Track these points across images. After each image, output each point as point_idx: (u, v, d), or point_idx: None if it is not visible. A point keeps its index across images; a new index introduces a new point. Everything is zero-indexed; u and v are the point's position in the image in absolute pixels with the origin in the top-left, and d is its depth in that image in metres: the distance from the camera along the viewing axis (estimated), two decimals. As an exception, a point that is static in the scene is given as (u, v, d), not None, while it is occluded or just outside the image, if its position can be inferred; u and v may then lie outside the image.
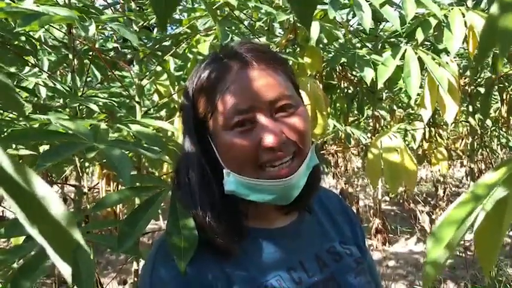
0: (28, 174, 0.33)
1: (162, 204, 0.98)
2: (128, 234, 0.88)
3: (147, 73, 1.80)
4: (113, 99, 2.20)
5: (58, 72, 2.37)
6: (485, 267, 0.46)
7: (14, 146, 1.39)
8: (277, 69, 0.78)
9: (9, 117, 1.64)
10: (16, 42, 1.67)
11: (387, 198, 6.49)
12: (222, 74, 0.76)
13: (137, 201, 1.65)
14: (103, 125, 1.14)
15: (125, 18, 1.71)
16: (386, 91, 3.18)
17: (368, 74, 1.96)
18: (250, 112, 0.73)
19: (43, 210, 0.33)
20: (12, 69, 1.75)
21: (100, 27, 1.25)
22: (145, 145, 1.15)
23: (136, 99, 1.70)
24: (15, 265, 1.11)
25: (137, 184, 1.08)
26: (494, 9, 0.33)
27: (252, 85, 0.74)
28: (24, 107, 1.71)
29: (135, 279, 1.78)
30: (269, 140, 0.72)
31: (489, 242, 0.45)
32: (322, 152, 3.41)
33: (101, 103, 1.62)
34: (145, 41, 2.18)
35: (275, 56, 0.82)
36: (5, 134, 1.29)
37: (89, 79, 2.05)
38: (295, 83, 0.84)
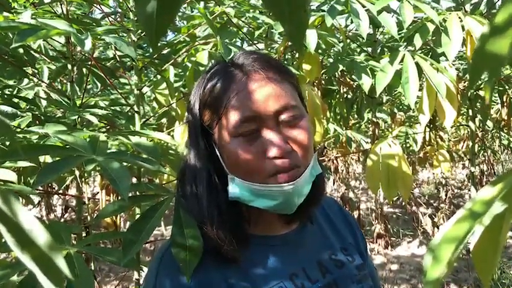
0: (15, 206, 0.33)
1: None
2: (133, 243, 0.87)
3: (147, 81, 1.80)
4: (114, 107, 2.21)
5: (58, 80, 2.37)
6: (484, 280, 0.46)
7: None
8: (283, 79, 0.79)
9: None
10: (14, 54, 1.68)
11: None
12: (228, 83, 0.77)
13: (137, 210, 1.65)
14: (102, 137, 1.13)
15: (124, 27, 1.71)
16: (386, 94, 3.19)
17: (366, 81, 1.96)
18: (255, 121, 0.74)
19: (30, 241, 0.33)
20: (11, 82, 1.75)
21: (99, 37, 1.25)
22: (144, 156, 1.15)
23: (136, 108, 1.70)
24: (15, 278, 1.11)
25: (137, 193, 1.08)
26: (485, 30, 0.33)
27: (258, 95, 0.74)
28: (24, 117, 1.71)
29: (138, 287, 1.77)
30: (274, 150, 0.73)
31: (487, 257, 0.44)
32: (322, 157, 3.41)
33: (100, 113, 1.62)
34: (145, 45, 2.18)
35: (281, 66, 0.83)
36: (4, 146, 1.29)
37: (89, 86, 2.05)
38: (300, 93, 0.84)
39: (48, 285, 0.34)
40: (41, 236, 0.33)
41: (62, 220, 4.26)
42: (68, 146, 1.03)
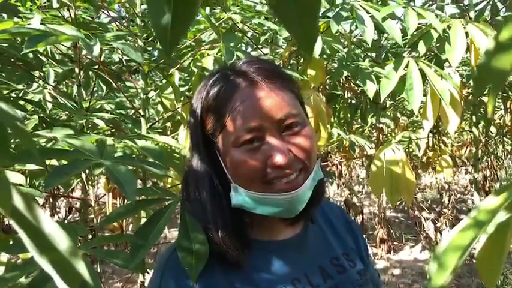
0: (37, 213, 0.34)
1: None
2: (140, 247, 0.88)
3: (152, 85, 1.82)
4: (119, 110, 2.22)
5: (64, 83, 2.39)
6: (490, 286, 0.47)
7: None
8: (285, 87, 0.79)
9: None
10: (23, 58, 1.69)
11: (392, 206, 6.46)
12: (231, 92, 0.77)
13: (143, 213, 1.66)
14: (109, 140, 1.14)
15: (130, 32, 1.73)
16: (390, 99, 3.19)
17: (370, 88, 1.96)
18: (259, 131, 0.75)
19: (51, 245, 0.34)
20: (20, 86, 1.77)
21: (107, 42, 1.27)
22: (151, 160, 1.16)
23: (142, 112, 1.72)
24: (23, 279, 1.12)
25: (143, 197, 1.09)
26: (490, 46, 0.34)
27: (260, 104, 0.75)
28: (30, 120, 1.72)
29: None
30: (277, 158, 0.74)
31: (491, 264, 0.45)
32: (326, 163, 3.42)
33: (106, 117, 1.64)
34: (150, 49, 2.20)
35: (282, 74, 0.84)
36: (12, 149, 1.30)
37: (94, 89, 2.06)
38: (301, 100, 0.85)
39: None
40: (63, 241, 0.34)
41: (66, 222, 4.27)
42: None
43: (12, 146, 1.40)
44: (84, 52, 1.89)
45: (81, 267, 0.34)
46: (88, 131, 1.77)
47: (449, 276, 0.42)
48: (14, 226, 0.34)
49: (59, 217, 4.64)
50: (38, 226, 0.34)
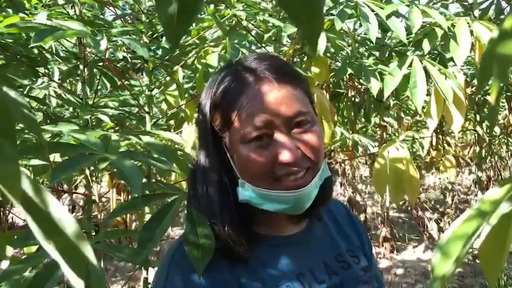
0: (45, 196, 0.34)
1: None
2: (147, 242, 0.89)
3: (156, 83, 1.82)
4: (123, 107, 2.23)
5: (68, 80, 2.39)
6: (490, 280, 0.47)
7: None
8: (295, 85, 0.79)
9: (19, 126, 1.66)
10: (28, 54, 1.70)
11: (395, 206, 6.44)
12: (240, 88, 0.77)
13: (146, 210, 1.67)
14: (114, 136, 1.15)
15: (136, 29, 1.73)
16: (393, 98, 3.19)
17: (374, 85, 1.97)
18: (268, 128, 0.75)
19: (58, 230, 0.35)
20: (26, 82, 1.78)
21: (113, 38, 1.27)
22: (155, 156, 1.17)
23: (146, 109, 1.72)
24: (27, 273, 1.13)
25: (147, 192, 1.10)
26: (494, 35, 0.35)
27: (270, 101, 0.75)
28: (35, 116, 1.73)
29: (146, 287, 1.79)
30: (285, 156, 0.74)
31: (493, 256, 0.45)
32: (329, 161, 3.41)
33: (111, 113, 1.65)
34: (154, 47, 2.20)
35: (293, 71, 0.84)
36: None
37: (99, 87, 2.06)
38: (311, 98, 0.85)
39: (71, 275, 0.35)
40: (70, 225, 0.34)
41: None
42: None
43: (18, 141, 1.41)
44: (88, 49, 1.90)
45: (88, 251, 0.34)
46: (93, 128, 1.78)
47: (452, 266, 0.42)
48: (21, 212, 0.34)
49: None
50: (47, 211, 0.34)
